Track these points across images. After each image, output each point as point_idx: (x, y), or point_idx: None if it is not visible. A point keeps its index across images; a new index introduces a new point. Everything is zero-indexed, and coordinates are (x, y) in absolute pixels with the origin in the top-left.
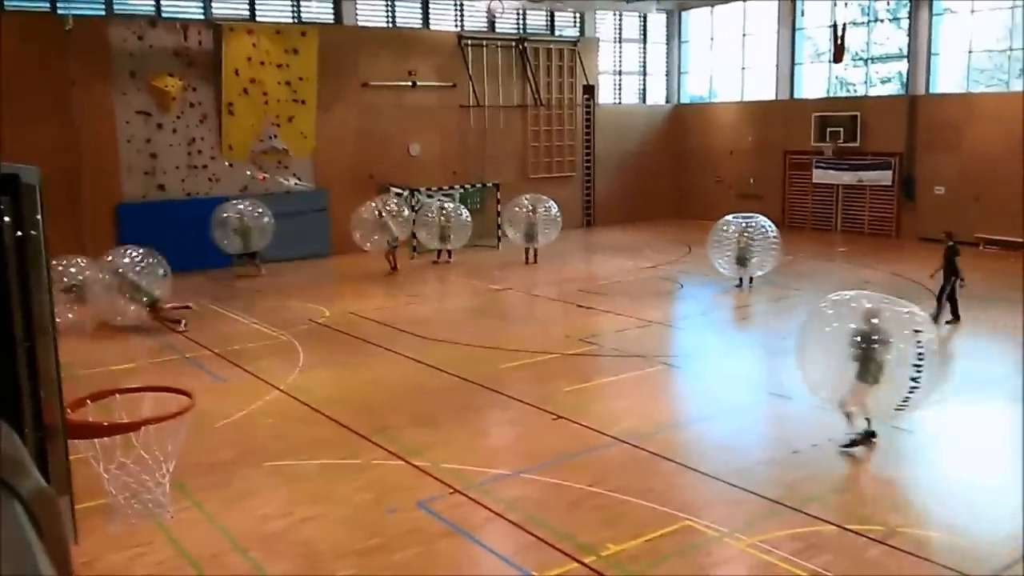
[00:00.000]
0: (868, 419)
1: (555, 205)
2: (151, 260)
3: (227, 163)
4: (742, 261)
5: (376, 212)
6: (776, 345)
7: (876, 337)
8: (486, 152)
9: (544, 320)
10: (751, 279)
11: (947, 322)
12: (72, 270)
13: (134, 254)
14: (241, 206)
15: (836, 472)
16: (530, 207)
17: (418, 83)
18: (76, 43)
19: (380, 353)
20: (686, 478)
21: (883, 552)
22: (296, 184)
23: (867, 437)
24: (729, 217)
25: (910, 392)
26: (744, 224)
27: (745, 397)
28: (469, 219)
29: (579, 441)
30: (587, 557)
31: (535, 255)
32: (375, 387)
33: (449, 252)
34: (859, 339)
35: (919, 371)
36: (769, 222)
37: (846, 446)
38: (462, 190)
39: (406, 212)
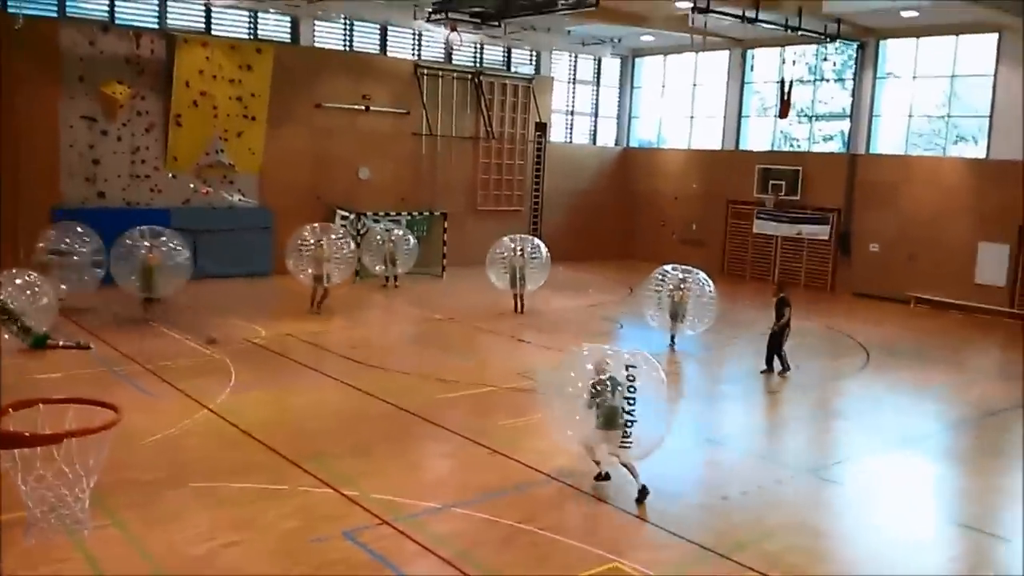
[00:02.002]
0: (628, 468)
1: (543, 246)
2: (37, 288)
3: (171, 175)
4: (675, 316)
5: (314, 244)
6: (710, 391)
7: (607, 385)
8: (436, 181)
9: (483, 352)
10: (672, 338)
11: (778, 372)
12: None
13: (19, 282)
14: (148, 242)
15: (764, 520)
16: (515, 249)
17: (372, 108)
18: (25, 43)
19: (315, 377)
20: (617, 519)
21: None
22: (240, 200)
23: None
24: (667, 268)
25: (627, 427)
26: (680, 277)
27: (679, 441)
28: (416, 245)
29: (513, 477)
30: None
31: (522, 303)
32: (308, 412)
33: (396, 277)
34: (593, 389)
35: (631, 404)
36: (706, 277)
37: (639, 499)
38: (409, 217)
39: (348, 248)
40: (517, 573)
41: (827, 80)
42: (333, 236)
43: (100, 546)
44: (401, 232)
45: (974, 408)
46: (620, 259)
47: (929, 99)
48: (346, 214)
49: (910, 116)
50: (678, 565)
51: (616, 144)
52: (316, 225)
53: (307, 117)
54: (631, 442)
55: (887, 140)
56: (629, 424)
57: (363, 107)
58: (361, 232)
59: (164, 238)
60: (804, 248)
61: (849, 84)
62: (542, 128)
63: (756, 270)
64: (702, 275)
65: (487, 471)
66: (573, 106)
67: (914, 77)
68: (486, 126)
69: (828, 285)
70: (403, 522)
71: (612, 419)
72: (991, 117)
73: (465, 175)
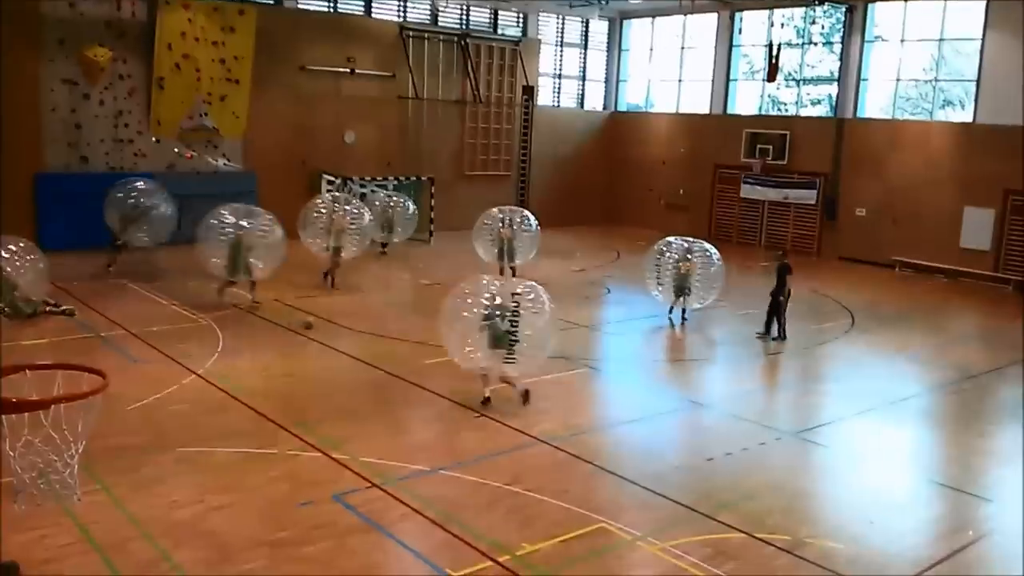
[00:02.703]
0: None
1: (532, 218)
2: (30, 257)
3: (154, 139)
4: (681, 290)
5: (331, 215)
6: (697, 353)
7: (497, 313)
8: (422, 145)
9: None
10: (683, 312)
11: (772, 339)
12: None
13: (13, 248)
14: (239, 220)
15: (748, 481)
16: (504, 221)
17: (357, 71)
18: (5, 6)
19: (303, 342)
20: (603, 481)
21: (789, 561)
22: (224, 165)
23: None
24: (670, 239)
25: (511, 346)
26: (685, 248)
27: (664, 403)
28: (416, 213)
29: (500, 440)
30: (501, 556)
31: (513, 274)
32: (296, 377)
33: (384, 244)
34: (486, 315)
35: (515, 327)
36: (711, 247)
37: (484, 401)
38: (396, 182)
39: (366, 218)
40: (504, 534)
41: (815, 43)
42: (348, 207)
43: (88, 511)
44: (400, 198)
45: (956, 371)
46: (607, 224)
47: (916, 63)
48: (332, 179)
49: (897, 80)
50: (663, 525)
51: (604, 108)
52: (331, 195)
53: (291, 80)
54: (515, 359)
55: (874, 104)
56: (513, 343)
57: (348, 70)
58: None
59: (256, 215)
60: (791, 213)
61: (837, 48)
62: (529, 92)
63: (743, 235)
64: (707, 245)
65: (475, 435)
66: (561, 69)
67: (902, 41)
68: (473, 90)
69: (814, 249)
70: (391, 485)
71: (499, 339)
72: (978, 81)
73: (452, 139)
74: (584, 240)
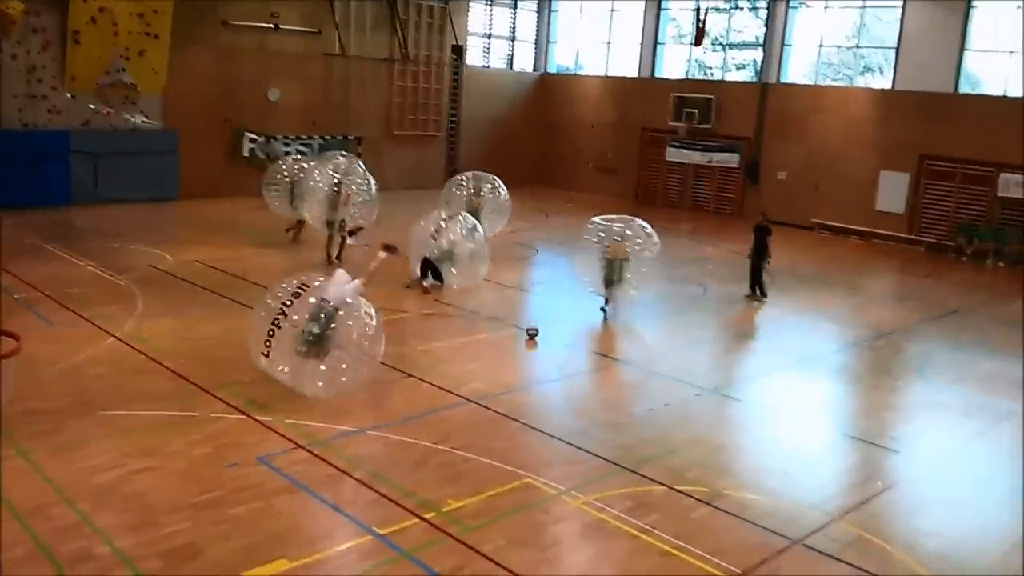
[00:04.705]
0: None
1: (502, 185)
2: None
3: (69, 95)
4: (609, 281)
5: (330, 187)
6: (621, 314)
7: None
8: (350, 104)
9: (399, 278)
10: (607, 302)
11: (745, 295)
12: None
13: None
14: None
15: (669, 436)
16: (472, 189)
17: (281, 26)
18: None
19: (226, 305)
20: (529, 438)
21: (708, 512)
22: (143, 122)
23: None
24: (597, 219)
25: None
26: (616, 230)
27: (589, 362)
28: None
29: (428, 400)
30: (428, 513)
31: None
32: (219, 339)
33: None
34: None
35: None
36: (649, 229)
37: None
38: (322, 141)
39: (371, 190)
40: (431, 492)
41: (741, 8)
42: (351, 177)
43: (5, 476)
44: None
45: (870, 330)
46: (537, 186)
47: (839, 29)
48: (255, 137)
49: (820, 46)
50: (587, 480)
51: (534, 69)
52: (338, 160)
53: (213, 35)
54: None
55: (797, 70)
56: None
57: (272, 25)
58: (270, 155)
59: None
60: (715, 176)
61: (763, 13)
62: (459, 51)
63: (668, 198)
64: (642, 223)
65: (403, 395)
66: (491, 29)
67: (826, 7)
68: (401, 48)
69: (736, 212)
70: (318, 446)
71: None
72: (898, 48)
73: (380, 99)
74: (513, 201)
